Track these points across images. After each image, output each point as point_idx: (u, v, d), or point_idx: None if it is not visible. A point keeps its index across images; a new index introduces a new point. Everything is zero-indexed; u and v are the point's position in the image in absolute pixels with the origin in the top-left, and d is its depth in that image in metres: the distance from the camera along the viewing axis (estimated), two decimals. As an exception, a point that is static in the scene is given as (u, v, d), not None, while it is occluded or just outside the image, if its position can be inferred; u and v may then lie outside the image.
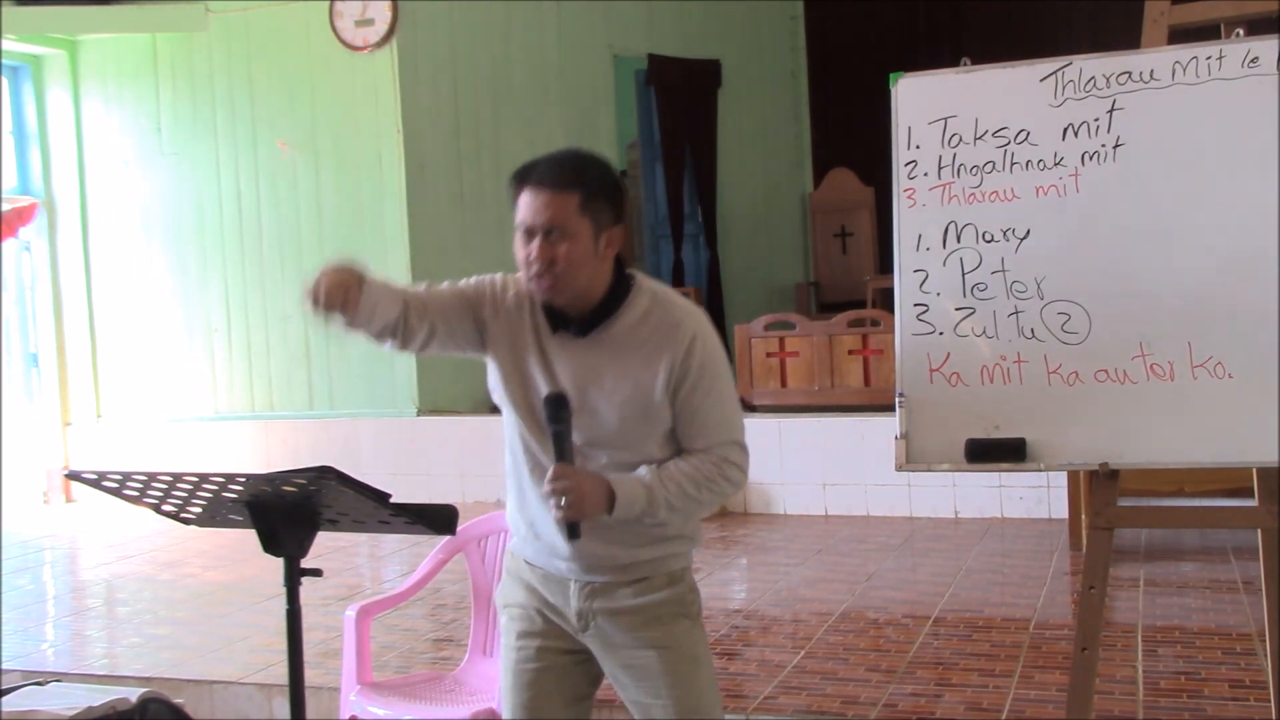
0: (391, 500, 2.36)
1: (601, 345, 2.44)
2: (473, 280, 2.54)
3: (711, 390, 2.45)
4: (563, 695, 2.53)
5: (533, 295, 2.46)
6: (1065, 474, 5.97)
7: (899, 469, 3.11)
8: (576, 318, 2.44)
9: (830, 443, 7.17)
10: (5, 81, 8.94)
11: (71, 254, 9.08)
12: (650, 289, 2.50)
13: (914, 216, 3.15)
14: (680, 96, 10.54)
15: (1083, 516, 5.67)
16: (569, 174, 2.38)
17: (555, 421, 2.35)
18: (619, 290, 2.46)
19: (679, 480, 2.40)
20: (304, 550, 2.42)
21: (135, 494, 2.44)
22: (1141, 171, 2.98)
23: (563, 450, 2.35)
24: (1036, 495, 6.69)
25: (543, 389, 2.42)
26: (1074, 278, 3.00)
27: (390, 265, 8.23)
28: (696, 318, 2.47)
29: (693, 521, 2.55)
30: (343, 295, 2.30)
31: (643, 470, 2.40)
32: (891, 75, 3.22)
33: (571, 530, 2.36)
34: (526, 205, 2.38)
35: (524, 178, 2.39)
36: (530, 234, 2.38)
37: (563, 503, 2.32)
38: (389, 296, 2.40)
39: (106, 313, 9.08)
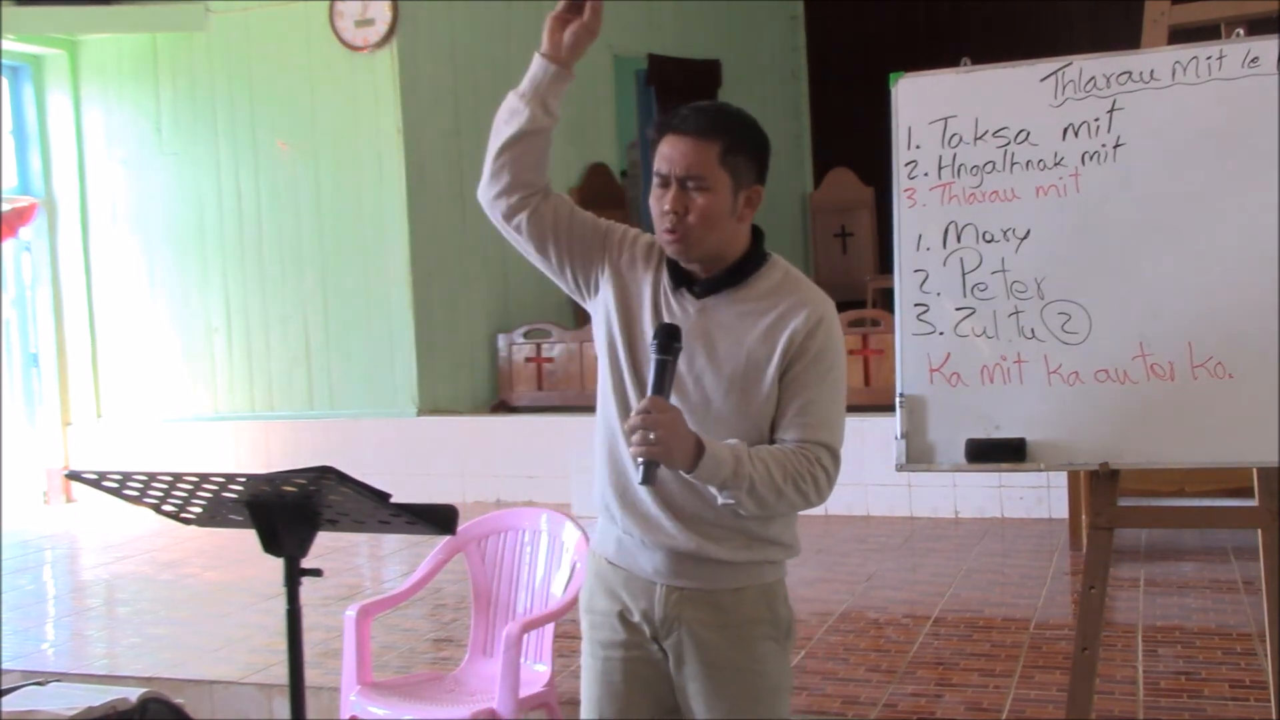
0: (391, 500, 2.36)
1: (720, 311, 2.29)
2: (606, 221, 2.43)
3: (824, 380, 2.27)
4: (651, 707, 2.37)
5: (662, 249, 2.33)
6: (1065, 474, 5.97)
7: (899, 469, 3.11)
8: (702, 278, 2.31)
9: (830, 442, 7.16)
10: (5, 81, 8.93)
11: (71, 254, 9.08)
12: (785, 267, 2.35)
13: (914, 216, 3.15)
14: (680, 96, 10.50)
15: (1083, 516, 5.67)
16: (711, 121, 2.24)
17: (663, 351, 2.17)
18: (752, 259, 2.32)
19: (768, 463, 2.19)
20: (304, 550, 2.41)
21: (135, 494, 2.44)
22: (1141, 171, 2.97)
23: (662, 384, 2.16)
24: (1036, 495, 6.69)
25: (649, 338, 2.25)
26: (1074, 278, 3.00)
27: (390, 265, 8.25)
28: (827, 304, 2.31)
29: (791, 528, 2.39)
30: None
31: (734, 440, 2.20)
32: (891, 75, 3.21)
33: (647, 472, 2.12)
34: (664, 152, 2.25)
35: (665, 125, 2.27)
36: (666, 183, 2.25)
37: (650, 437, 2.09)
38: (546, 153, 2.39)
39: (106, 313, 9.07)
